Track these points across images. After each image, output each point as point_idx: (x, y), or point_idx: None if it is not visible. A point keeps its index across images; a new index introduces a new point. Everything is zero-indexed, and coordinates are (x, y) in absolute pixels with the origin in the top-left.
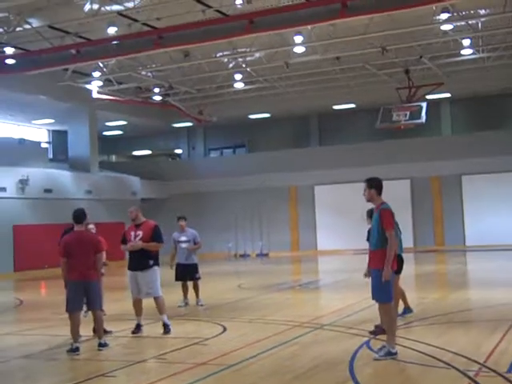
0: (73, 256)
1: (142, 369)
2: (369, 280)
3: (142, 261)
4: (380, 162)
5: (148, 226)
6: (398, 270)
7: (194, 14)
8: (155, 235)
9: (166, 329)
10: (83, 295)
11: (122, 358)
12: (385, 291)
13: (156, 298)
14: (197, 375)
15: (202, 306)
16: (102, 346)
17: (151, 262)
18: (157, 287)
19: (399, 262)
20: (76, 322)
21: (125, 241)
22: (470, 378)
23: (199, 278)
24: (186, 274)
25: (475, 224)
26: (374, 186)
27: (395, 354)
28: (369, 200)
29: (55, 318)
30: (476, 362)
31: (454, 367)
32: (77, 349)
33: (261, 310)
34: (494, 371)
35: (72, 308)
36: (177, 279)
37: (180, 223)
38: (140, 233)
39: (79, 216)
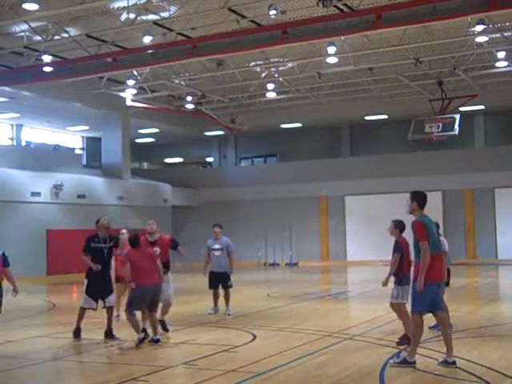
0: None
1: (173, 374)
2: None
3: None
4: (411, 173)
5: (164, 241)
6: (446, 283)
7: (228, 23)
8: (173, 245)
9: (163, 327)
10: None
11: (153, 363)
12: (415, 302)
13: (168, 307)
14: (227, 382)
15: (229, 315)
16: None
17: (165, 270)
18: (171, 296)
19: (447, 275)
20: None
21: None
22: None
23: (231, 286)
24: (219, 281)
25: (508, 237)
26: (417, 199)
27: (412, 363)
28: (410, 212)
29: (86, 322)
30: (508, 376)
31: (485, 381)
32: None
33: (290, 319)
34: None
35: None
36: (210, 287)
37: (214, 230)
38: (157, 249)
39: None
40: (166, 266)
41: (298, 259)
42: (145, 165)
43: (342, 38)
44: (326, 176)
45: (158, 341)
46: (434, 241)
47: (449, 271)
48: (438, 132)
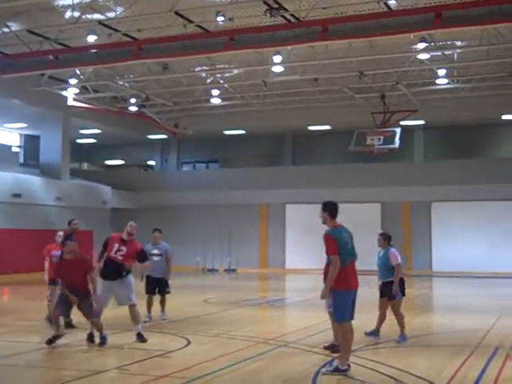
0: None
1: (104, 379)
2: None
3: (117, 271)
4: (352, 184)
5: (134, 246)
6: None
7: (175, 27)
8: (140, 257)
9: (142, 338)
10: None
11: (83, 368)
12: (336, 310)
13: (132, 306)
14: None
15: (164, 319)
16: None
17: (124, 273)
18: (132, 296)
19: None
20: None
21: (105, 246)
22: None
23: (169, 293)
24: (156, 286)
25: (442, 250)
26: (328, 209)
27: (344, 371)
28: (323, 222)
29: (16, 324)
30: None
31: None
32: None
33: (226, 324)
34: None
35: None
36: (147, 292)
37: (154, 235)
38: (124, 249)
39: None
40: (123, 270)
41: (237, 265)
42: (85, 165)
43: (289, 47)
44: (267, 184)
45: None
46: (346, 252)
47: (403, 280)
48: (379, 145)
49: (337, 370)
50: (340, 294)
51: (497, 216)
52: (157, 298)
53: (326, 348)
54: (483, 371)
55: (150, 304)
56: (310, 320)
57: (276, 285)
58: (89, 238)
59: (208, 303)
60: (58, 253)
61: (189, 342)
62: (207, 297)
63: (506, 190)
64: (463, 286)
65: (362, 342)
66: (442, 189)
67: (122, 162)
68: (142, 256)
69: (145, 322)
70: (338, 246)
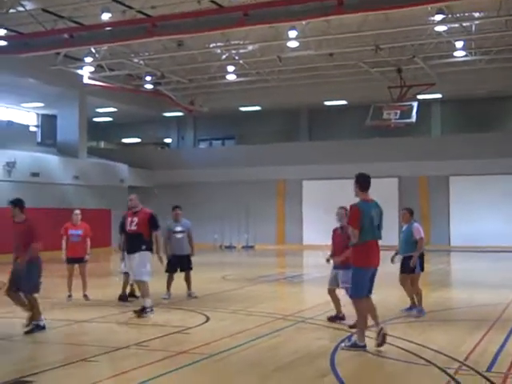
0: None
1: (124, 355)
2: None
3: (134, 244)
4: (368, 159)
5: (144, 213)
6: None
7: (189, 3)
8: (151, 223)
9: (142, 313)
10: None
11: (104, 344)
12: (354, 287)
13: (138, 282)
14: (178, 363)
15: (196, 297)
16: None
17: (143, 247)
18: (141, 272)
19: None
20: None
21: (123, 226)
22: (449, 375)
23: (191, 269)
24: (178, 264)
25: (460, 225)
26: (359, 181)
27: (362, 346)
28: (356, 195)
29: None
30: (456, 360)
31: (434, 364)
32: None
33: (244, 301)
34: (474, 370)
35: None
36: (167, 270)
37: (176, 212)
38: (136, 219)
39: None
40: (141, 243)
41: (255, 242)
42: (102, 144)
43: (304, 22)
44: (283, 160)
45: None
46: (369, 228)
47: (422, 255)
48: (395, 119)
49: (355, 346)
50: (359, 270)
51: None
52: (179, 276)
53: (329, 319)
54: (503, 345)
55: (169, 282)
56: (328, 296)
57: (293, 261)
58: (107, 216)
59: (226, 280)
60: (75, 232)
61: (207, 319)
62: (225, 274)
63: None
64: (481, 260)
65: (381, 317)
66: (459, 163)
67: (138, 140)
68: (153, 221)
69: (164, 299)
70: (361, 221)
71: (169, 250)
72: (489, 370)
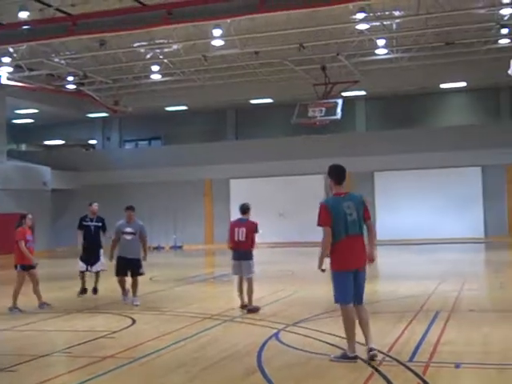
0: None
1: (46, 363)
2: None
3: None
4: (295, 156)
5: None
6: None
7: (110, 2)
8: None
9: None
10: None
11: (24, 352)
12: (334, 290)
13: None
14: (104, 368)
15: (137, 305)
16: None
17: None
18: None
19: None
20: None
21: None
22: (373, 367)
23: (142, 274)
24: (128, 268)
25: (386, 219)
26: (331, 175)
27: (352, 358)
28: (330, 189)
29: None
30: (380, 351)
31: (359, 357)
32: None
33: (172, 302)
34: (397, 360)
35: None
36: (118, 274)
37: (129, 213)
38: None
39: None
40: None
41: (183, 242)
42: (23, 146)
43: (228, 20)
44: (210, 159)
45: None
46: (341, 224)
47: None
48: (321, 116)
49: (345, 357)
50: (335, 274)
51: (437, 183)
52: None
53: (242, 307)
54: (424, 335)
55: (123, 283)
56: (256, 293)
57: (222, 260)
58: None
59: (153, 281)
60: (30, 237)
61: (134, 322)
62: (153, 275)
63: (446, 157)
64: (406, 253)
65: (304, 314)
66: (383, 158)
67: (62, 141)
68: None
69: (126, 301)
70: (332, 217)
71: (117, 252)
72: (411, 359)
